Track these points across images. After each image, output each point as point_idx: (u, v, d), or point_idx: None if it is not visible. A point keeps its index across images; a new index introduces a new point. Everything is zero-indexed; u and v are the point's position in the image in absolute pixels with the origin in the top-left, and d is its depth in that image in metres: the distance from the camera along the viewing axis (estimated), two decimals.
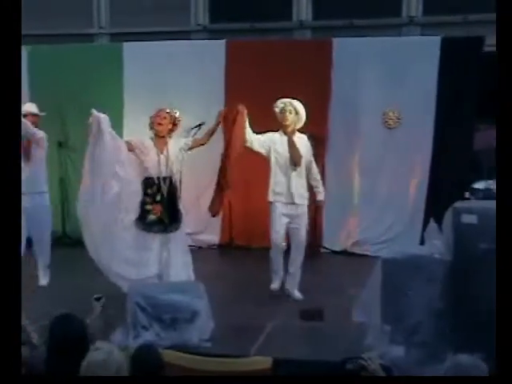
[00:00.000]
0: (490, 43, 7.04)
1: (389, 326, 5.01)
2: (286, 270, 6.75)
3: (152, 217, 6.42)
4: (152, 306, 5.56)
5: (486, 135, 8.88)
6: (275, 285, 6.78)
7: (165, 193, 6.42)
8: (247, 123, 6.59)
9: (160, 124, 6.45)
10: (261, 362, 5.00)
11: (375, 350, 4.59)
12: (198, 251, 8.47)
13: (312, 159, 6.79)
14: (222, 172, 6.68)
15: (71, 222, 9.26)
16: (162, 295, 5.65)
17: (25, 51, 9.16)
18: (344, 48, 8.64)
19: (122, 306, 5.64)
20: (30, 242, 7.27)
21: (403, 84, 8.46)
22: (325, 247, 8.73)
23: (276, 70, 8.56)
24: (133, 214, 6.41)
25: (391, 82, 8.50)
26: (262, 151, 6.72)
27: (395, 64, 8.46)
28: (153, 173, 6.41)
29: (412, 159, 8.57)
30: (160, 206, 6.41)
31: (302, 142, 6.73)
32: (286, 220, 6.69)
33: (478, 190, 8.18)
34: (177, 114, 6.54)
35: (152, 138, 6.51)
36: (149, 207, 6.42)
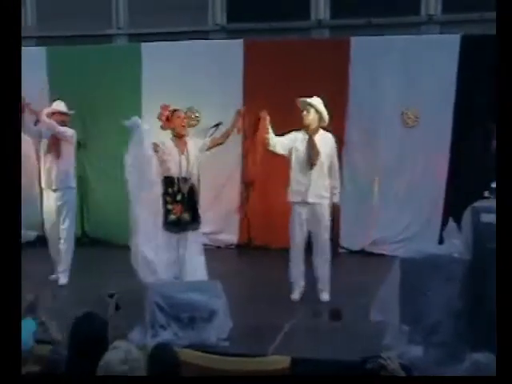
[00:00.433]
0: None
1: (407, 326, 4.99)
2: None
3: (172, 217, 6.44)
4: (170, 305, 5.58)
5: None
6: (295, 295, 6.72)
7: (185, 193, 6.46)
8: (270, 128, 6.57)
9: (183, 126, 6.53)
10: (279, 362, 5.01)
11: (394, 350, 4.56)
12: (216, 251, 8.50)
13: (334, 158, 6.72)
14: (247, 178, 6.72)
15: (90, 221, 9.33)
16: (180, 294, 5.67)
17: (45, 52, 9.27)
18: (362, 47, 8.60)
19: (140, 304, 5.67)
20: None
21: (422, 83, 8.40)
22: (342, 247, 8.71)
23: (294, 69, 8.54)
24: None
25: (410, 80, 8.45)
26: (285, 153, 6.72)
27: (414, 63, 8.41)
28: (174, 173, 6.44)
29: (430, 158, 8.52)
30: (180, 205, 6.44)
31: (325, 140, 6.66)
32: (305, 221, 6.66)
33: None
34: (195, 114, 6.60)
35: (172, 139, 6.54)
36: (169, 207, 6.45)
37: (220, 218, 8.84)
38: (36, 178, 9.02)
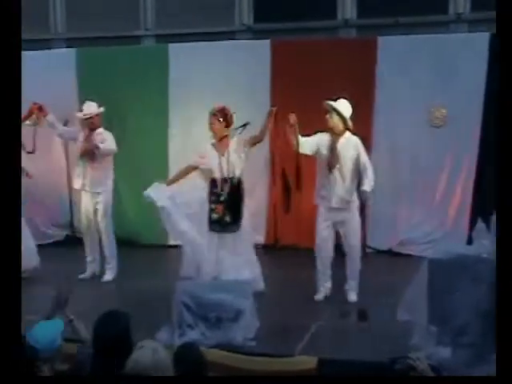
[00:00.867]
0: None
1: (435, 327, 4.95)
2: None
3: (214, 216, 6.61)
4: (198, 304, 5.61)
5: None
6: (319, 296, 6.73)
7: (226, 193, 6.60)
8: (298, 131, 6.56)
9: (215, 130, 6.71)
10: (306, 362, 5.00)
11: (422, 351, 4.53)
12: None
13: (362, 160, 6.57)
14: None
15: (119, 221, 9.38)
16: (207, 294, 5.69)
17: (74, 54, 9.36)
18: (389, 46, 8.54)
19: (167, 304, 5.70)
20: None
21: (450, 82, 8.31)
22: (369, 247, 8.66)
23: (321, 69, 8.51)
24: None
25: (438, 80, 8.36)
26: (311, 154, 6.71)
27: (442, 62, 8.32)
28: (216, 175, 6.61)
29: (459, 158, 8.44)
30: (222, 206, 6.58)
31: (350, 143, 6.58)
32: (331, 224, 6.64)
33: None
34: (231, 112, 6.69)
35: (213, 144, 6.71)
36: (213, 206, 6.62)
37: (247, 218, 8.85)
38: (65, 179, 9.14)
